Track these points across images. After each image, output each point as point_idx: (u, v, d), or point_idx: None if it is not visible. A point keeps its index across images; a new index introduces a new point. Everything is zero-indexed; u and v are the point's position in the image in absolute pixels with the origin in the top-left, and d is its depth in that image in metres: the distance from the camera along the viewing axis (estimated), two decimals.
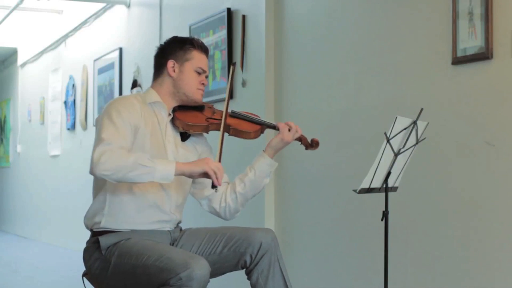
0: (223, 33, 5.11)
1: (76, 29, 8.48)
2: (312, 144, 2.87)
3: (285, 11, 4.59)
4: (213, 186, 2.59)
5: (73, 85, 8.57)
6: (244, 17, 4.91)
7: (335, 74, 4.14)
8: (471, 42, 3.17)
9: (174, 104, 2.83)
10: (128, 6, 7.07)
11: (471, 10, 3.17)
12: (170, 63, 2.80)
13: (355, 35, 3.99)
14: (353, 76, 3.99)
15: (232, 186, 2.87)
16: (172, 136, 2.80)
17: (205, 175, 2.57)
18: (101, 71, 7.68)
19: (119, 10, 7.27)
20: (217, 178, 2.55)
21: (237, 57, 4.98)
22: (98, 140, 2.58)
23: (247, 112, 2.93)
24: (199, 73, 2.82)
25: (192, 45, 2.82)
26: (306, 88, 4.39)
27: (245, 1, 4.93)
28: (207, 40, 5.33)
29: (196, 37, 2.96)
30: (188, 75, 2.80)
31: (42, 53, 9.82)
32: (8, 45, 10.81)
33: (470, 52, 3.18)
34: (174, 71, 2.80)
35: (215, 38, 5.23)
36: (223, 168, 2.60)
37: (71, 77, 8.66)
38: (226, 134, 2.80)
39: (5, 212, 11.88)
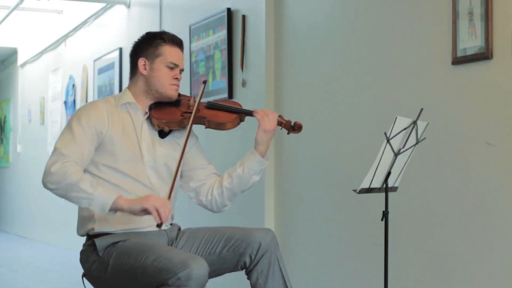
0: (223, 33, 5.11)
1: (76, 29, 8.48)
2: (294, 128, 2.80)
3: (285, 11, 4.58)
4: (157, 225, 2.49)
5: (73, 85, 8.57)
6: (244, 17, 4.91)
7: (335, 74, 4.14)
8: (471, 42, 3.17)
9: (149, 102, 2.79)
10: (128, 6, 7.06)
11: (471, 10, 3.17)
12: (141, 61, 2.77)
13: (355, 35, 3.99)
14: (353, 76, 3.99)
15: (220, 180, 2.83)
16: (148, 135, 2.77)
17: (146, 212, 2.48)
18: (101, 71, 7.68)
19: (119, 10, 7.27)
20: (159, 215, 2.45)
21: (237, 57, 4.98)
22: (53, 150, 2.59)
23: (226, 101, 2.87)
24: (171, 68, 2.77)
25: (163, 40, 2.77)
26: (306, 88, 4.39)
27: (245, 1, 4.93)
28: (207, 40, 5.33)
29: (168, 31, 2.88)
30: (160, 72, 2.75)
31: (42, 53, 9.81)
32: (8, 45, 10.80)
33: (470, 52, 3.17)
34: (145, 69, 2.77)
35: (215, 38, 5.23)
36: (168, 204, 2.50)
37: (71, 77, 8.66)
38: (201, 131, 2.74)
39: (5, 212, 11.88)
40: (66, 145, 2.59)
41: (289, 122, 2.82)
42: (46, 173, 2.53)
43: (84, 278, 2.76)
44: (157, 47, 2.77)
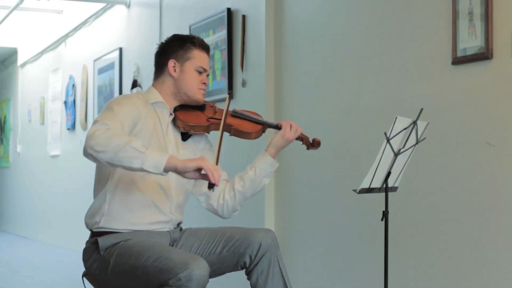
0: (223, 33, 5.11)
1: (76, 29, 8.49)
2: (313, 144, 2.87)
3: (285, 11, 4.58)
4: (210, 186, 2.45)
5: (73, 85, 8.57)
6: (244, 17, 4.91)
7: (335, 74, 4.14)
8: (471, 42, 3.17)
9: (176, 103, 2.81)
10: (128, 6, 7.07)
11: (471, 10, 3.17)
12: (171, 63, 2.78)
13: (355, 35, 3.99)
14: (353, 76, 3.99)
15: (231, 184, 2.85)
16: (173, 136, 2.79)
17: (200, 171, 2.43)
18: (101, 71, 7.68)
19: (119, 10, 7.28)
20: (213, 176, 2.41)
21: (237, 57, 4.98)
22: (94, 122, 2.54)
23: (248, 111, 2.92)
24: (200, 72, 2.80)
25: (193, 44, 2.80)
26: (306, 88, 4.39)
27: (245, 1, 4.93)
28: (207, 40, 5.33)
29: (196, 35, 2.95)
30: (189, 75, 2.78)
31: (42, 53, 9.82)
32: (8, 45, 10.81)
33: (470, 52, 3.17)
34: (175, 70, 2.78)
35: (215, 38, 5.23)
36: (219, 170, 2.47)
37: (71, 77, 8.66)
38: (226, 135, 2.79)
39: (5, 212, 11.88)
40: (107, 119, 2.54)
41: (307, 138, 2.87)
42: (90, 138, 2.44)
43: (84, 278, 2.77)
44: (188, 50, 2.79)
